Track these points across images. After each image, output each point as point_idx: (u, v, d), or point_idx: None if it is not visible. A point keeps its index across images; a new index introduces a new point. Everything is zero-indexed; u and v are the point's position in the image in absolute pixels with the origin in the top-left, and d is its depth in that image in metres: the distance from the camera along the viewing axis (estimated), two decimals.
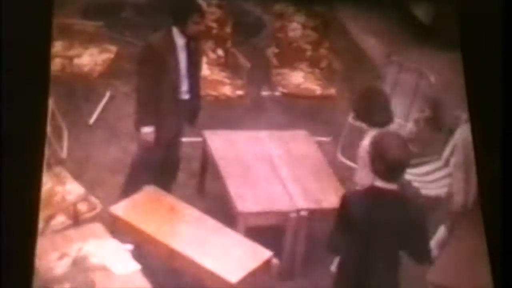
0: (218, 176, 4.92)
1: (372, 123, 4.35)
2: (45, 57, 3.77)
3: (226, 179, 4.80)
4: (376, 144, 3.60)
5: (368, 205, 3.59)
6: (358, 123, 5.70)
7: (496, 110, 3.44)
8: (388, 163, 3.53)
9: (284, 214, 4.58)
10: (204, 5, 5.41)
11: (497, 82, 3.44)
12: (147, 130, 4.74)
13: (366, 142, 4.27)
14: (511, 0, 3.48)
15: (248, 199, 4.65)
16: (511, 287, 3.40)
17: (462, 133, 4.74)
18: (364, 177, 4.05)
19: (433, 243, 4.94)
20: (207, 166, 5.17)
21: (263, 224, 4.51)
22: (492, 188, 3.45)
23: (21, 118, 3.66)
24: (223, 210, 4.71)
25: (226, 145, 5.08)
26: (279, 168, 4.94)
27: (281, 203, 4.66)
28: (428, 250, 3.75)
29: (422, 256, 3.73)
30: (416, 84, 5.80)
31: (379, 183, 3.58)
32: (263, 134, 5.25)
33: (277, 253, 4.39)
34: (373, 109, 4.37)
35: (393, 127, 4.37)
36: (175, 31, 4.74)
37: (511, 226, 3.42)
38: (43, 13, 3.73)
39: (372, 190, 3.60)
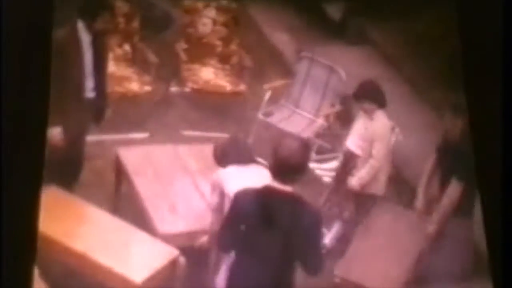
0: (135, 196, 4.64)
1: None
2: (45, 53, 3.56)
3: (144, 199, 4.53)
4: (274, 144, 3.50)
5: (258, 203, 3.44)
6: (268, 120, 5.71)
7: (496, 110, 3.40)
8: (279, 163, 3.41)
9: (207, 233, 4.26)
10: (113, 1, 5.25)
11: (497, 82, 3.40)
12: (56, 131, 4.54)
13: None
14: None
15: (169, 220, 4.41)
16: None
17: (379, 123, 4.76)
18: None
19: (330, 236, 4.96)
20: (121, 186, 4.88)
21: (187, 244, 4.24)
22: (492, 188, 3.39)
23: (20, 119, 3.46)
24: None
25: (142, 162, 4.81)
26: (199, 182, 4.70)
27: (204, 221, 4.32)
28: (318, 260, 3.53)
29: (311, 265, 3.52)
30: (327, 80, 5.80)
31: (274, 184, 3.44)
32: (182, 149, 5.00)
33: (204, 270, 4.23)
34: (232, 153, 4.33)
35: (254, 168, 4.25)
36: (81, 27, 4.56)
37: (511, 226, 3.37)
38: (43, 10, 3.52)
39: (265, 190, 3.46)
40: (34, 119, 3.45)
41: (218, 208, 4.14)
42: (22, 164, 3.39)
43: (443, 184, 4.49)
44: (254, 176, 4.12)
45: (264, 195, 3.46)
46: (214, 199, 4.21)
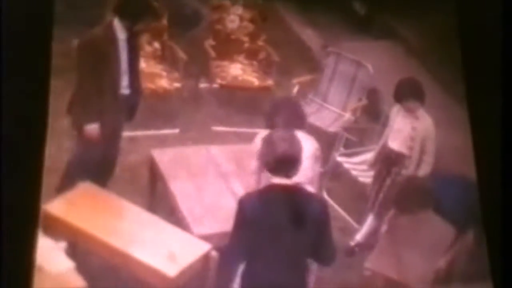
0: (169, 197, 4.70)
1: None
2: (45, 54, 3.66)
3: (179, 200, 4.58)
4: (265, 141, 3.48)
5: (264, 203, 3.40)
6: None
7: (496, 109, 3.44)
8: (276, 157, 3.38)
9: None
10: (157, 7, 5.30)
11: (497, 82, 3.44)
12: (93, 126, 4.63)
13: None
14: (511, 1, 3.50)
15: (203, 221, 4.46)
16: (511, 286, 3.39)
17: (425, 120, 4.77)
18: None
19: (363, 232, 5.01)
20: (155, 187, 4.94)
21: (220, 244, 4.18)
22: (492, 189, 3.44)
23: (20, 118, 3.57)
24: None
25: (176, 163, 4.86)
26: (232, 183, 4.76)
27: None
28: (331, 249, 3.51)
29: (325, 255, 3.50)
30: (354, 74, 5.84)
31: (275, 180, 3.41)
32: (214, 149, 5.05)
33: None
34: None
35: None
36: (117, 24, 4.62)
37: (511, 226, 3.42)
38: (43, 10, 3.62)
39: (268, 188, 3.42)
40: (34, 115, 3.52)
41: (258, 173, 4.11)
42: (23, 161, 3.48)
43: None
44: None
45: (267, 194, 3.42)
46: (252, 165, 4.20)
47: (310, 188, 4.08)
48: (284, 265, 3.44)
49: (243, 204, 3.49)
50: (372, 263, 4.36)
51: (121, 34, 4.62)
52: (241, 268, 3.56)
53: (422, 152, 4.74)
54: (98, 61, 4.57)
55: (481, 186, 3.46)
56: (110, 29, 4.62)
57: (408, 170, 4.77)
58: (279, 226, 3.41)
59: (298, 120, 4.23)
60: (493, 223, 3.38)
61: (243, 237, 3.47)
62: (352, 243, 4.94)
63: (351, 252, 4.90)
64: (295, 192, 3.43)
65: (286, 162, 3.39)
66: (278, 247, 3.43)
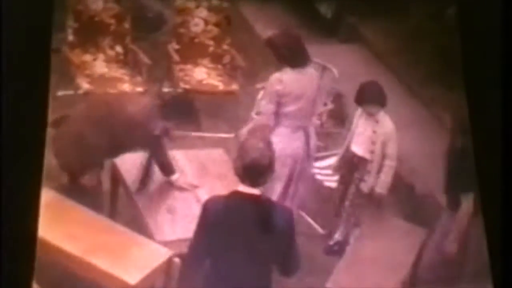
0: (131, 203, 4.63)
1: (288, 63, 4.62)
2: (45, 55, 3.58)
3: (141, 207, 4.51)
4: (239, 145, 3.47)
5: (229, 208, 3.39)
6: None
7: (496, 111, 3.41)
8: (245, 165, 3.36)
9: None
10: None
11: (497, 83, 3.42)
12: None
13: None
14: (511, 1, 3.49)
15: (166, 227, 4.40)
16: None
17: (386, 124, 4.73)
18: None
19: (341, 230, 4.94)
20: (117, 192, 4.84)
21: (184, 251, 4.01)
22: (492, 189, 3.41)
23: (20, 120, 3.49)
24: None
25: (138, 169, 4.74)
26: (196, 189, 4.67)
27: None
28: (295, 261, 3.49)
29: (288, 266, 3.49)
30: (319, 78, 5.79)
31: (242, 188, 3.40)
32: (178, 154, 4.95)
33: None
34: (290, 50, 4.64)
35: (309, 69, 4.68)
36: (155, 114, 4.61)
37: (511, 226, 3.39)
38: (43, 12, 3.55)
39: (233, 195, 3.41)
40: (34, 121, 3.45)
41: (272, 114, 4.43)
42: (22, 166, 3.41)
43: (453, 197, 4.39)
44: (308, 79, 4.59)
45: (233, 201, 3.41)
46: (268, 108, 4.43)
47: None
48: (247, 270, 3.42)
49: (207, 207, 3.49)
50: (334, 283, 4.23)
51: (155, 128, 4.57)
52: (204, 271, 3.53)
53: (383, 156, 4.72)
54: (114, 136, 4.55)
55: (481, 184, 3.43)
56: (148, 117, 4.58)
57: (370, 175, 4.75)
58: (243, 231, 3.39)
59: (303, 56, 4.66)
60: (493, 222, 3.36)
61: (205, 239, 3.45)
62: (331, 242, 4.92)
63: (329, 251, 4.86)
64: (261, 201, 3.42)
65: (254, 171, 3.38)
66: (241, 251, 3.41)
